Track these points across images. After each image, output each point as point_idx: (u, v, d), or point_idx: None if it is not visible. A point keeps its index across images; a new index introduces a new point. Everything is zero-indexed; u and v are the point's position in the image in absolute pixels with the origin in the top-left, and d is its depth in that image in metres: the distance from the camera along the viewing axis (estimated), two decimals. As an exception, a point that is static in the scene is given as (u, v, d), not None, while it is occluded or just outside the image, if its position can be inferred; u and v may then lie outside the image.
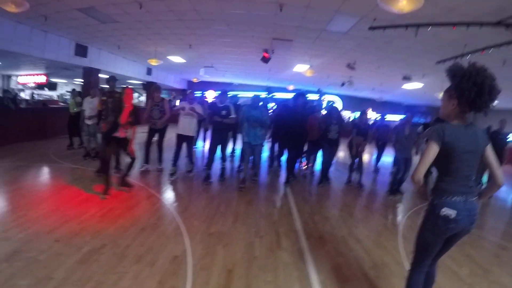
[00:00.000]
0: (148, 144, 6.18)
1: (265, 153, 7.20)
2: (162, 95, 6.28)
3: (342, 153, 7.38)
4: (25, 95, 18.72)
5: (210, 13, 6.49)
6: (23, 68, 15.15)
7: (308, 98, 6.87)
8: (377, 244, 3.68)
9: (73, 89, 8.56)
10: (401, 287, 2.27)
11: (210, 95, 19.37)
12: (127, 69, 14.01)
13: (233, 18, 6.72)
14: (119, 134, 4.53)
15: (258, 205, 4.75)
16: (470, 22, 5.18)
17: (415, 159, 4.85)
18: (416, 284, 2.01)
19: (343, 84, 14.77)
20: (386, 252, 3.45)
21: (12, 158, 6.52)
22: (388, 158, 10.80)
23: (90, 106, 6.42)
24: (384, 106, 20.82)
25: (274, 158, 7.49)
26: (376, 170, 8.40)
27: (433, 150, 1.79)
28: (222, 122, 5.52)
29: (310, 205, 5.00)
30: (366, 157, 8.01)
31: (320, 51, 9.02)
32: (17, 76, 17.25)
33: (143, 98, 20.68)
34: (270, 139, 7.42)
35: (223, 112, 5.54)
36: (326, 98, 21.08)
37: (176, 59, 12.11)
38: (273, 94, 15.53)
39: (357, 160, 6.43)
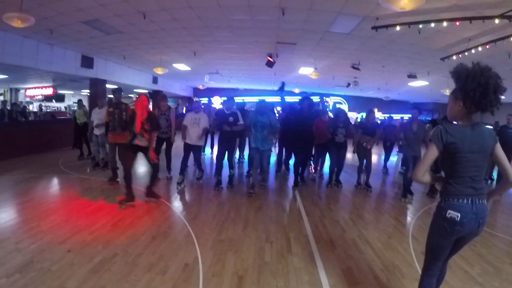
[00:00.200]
0: (156, 153, 6.19)
1: (273, 158, 7.18)
2: (169, 103, 6.32)
3: (350, 155, 7.30)
4: (33, 107, 19.05)
5: (213, 20, 6.55)
6: (31, 81, 15.42)
7: (313, 101, 6.85)
8: (387, 246, 3.63)
9: (79, 100, 8.61)
10: (413, 289, 2.23)
11: (217, 102, 19.44)
12: (133, 78, 14.16)
13: (236, 24, 6.77)
14: (137, 142, 4.53)
15: (268, 210, 4.73)
16: (473, 17, 5.15)
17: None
18: None
19: (348, 85, 14.71)
20: (397, 254, 3.40)
21: (23, 170, 6.63)
22: (395, 158, 10.70)
23: (98, 116, 6.49)
24: (390, 105, 20.69)
25: (281, 162, 7.46)
26: (385, 171, 8.32)
27: (433, 151, 1.80)
28: (231, 130, 5.54)
29: (319, 208, 4.96)
30: (374, 158, 7.93)
31: (324, 52, 9.03)
32: (24, 89, 17.55)
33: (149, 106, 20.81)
34: (277, 144, 7.40)
35: (231, 119, 5.53)
36: (331, 100, 20.90)
37: (181, 66, 12.21)
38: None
39: (365, 161, 6.37)
